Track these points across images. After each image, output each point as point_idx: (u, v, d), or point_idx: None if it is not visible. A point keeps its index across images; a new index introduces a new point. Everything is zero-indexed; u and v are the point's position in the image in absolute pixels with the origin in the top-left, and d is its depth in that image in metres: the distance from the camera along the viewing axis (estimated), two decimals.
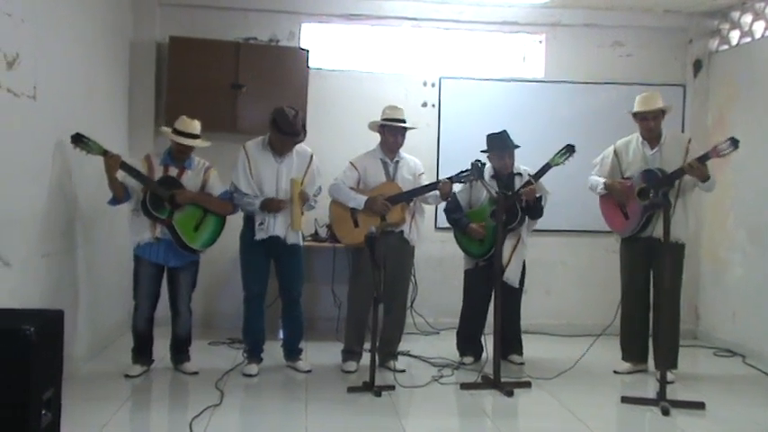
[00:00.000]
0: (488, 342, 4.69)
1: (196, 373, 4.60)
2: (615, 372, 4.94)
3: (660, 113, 4.74)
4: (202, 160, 4.67)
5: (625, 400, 4.22)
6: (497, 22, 6.35)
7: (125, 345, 4.81)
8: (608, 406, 4.26)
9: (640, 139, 4.83)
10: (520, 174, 5.03)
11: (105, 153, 4.28)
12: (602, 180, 4.90)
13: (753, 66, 5.76)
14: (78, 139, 4.21)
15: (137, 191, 4.44)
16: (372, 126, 4.96)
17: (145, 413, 4.02)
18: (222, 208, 4.64)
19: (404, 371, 4.82)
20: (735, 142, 4.42)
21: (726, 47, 6.21)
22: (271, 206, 4.54)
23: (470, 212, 5.05)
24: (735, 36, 6.11)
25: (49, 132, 4.04)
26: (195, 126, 4.56)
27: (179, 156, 4.54)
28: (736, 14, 6.08)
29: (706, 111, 6.35)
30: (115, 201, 4.45)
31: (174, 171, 4.51)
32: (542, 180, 4.92)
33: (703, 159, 4.50)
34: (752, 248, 5.62)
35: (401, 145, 4.90)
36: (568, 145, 4.79)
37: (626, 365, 4.96)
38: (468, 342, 5.14)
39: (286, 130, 4.51)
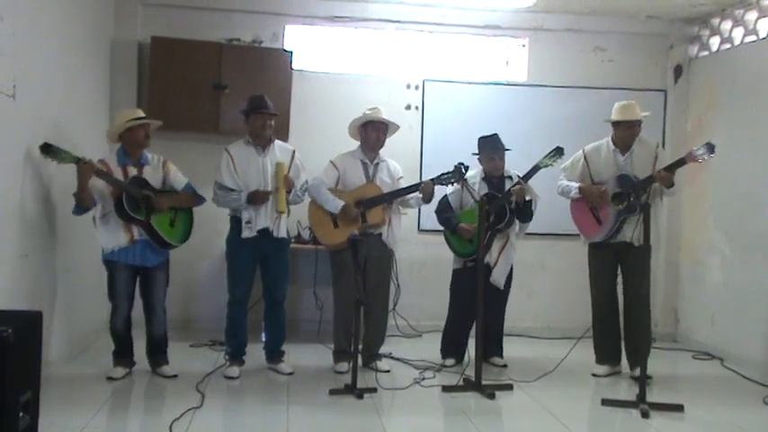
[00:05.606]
0: (470, 344, 4.69)
1: (175, 376, 4.54)
2: (594, 375, 4.96)
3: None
4: (155, 155, 4.59)
5: (605, 402, 4.24)
6: (480, 25, 6.37)
7: (104, 346, 4.76)
8: (589, 408, 4.29)
9: (611, 145, 4.86)
10: (510, 177, 5.07)
11: (78, 161, 4.12)
12: (575, 185, 4.93)
13: (732, 72, 5.83)
14: (47, 149, 4.01)
15: (105, 195, 4.32)
16: (352, 128, 4.94)
17: (124, 416, 3.96)
18: (191, 202, 4.65)
19: (389, 371, 4.83)
20: (711, 148, 4.46)
21: (706, 53, 6.28)
22: (257, 198, 4.52)
23: (461, 213, 5.08)
24: (715, 42, 6.17)
25: (28, 131, 3.98)
26: (138, 112, 4.56)
27: (133, 147, 4.42)
28: (716, 21, 6.14)
29: (686, 116, 6.41)
30: (82, 210, 4.28)
31: (133, 171, 4.42)
32: (534, 185, 4.96)
33: (679, 164, 4.56)
34: (731, 252, 5.68)
35: (383, 143, 4.90)
36: (557, 147, 4.88)
37: (603, 368, 4.99)
38: (453, 343, 5.14)
39: (262, 105, 4.61)
